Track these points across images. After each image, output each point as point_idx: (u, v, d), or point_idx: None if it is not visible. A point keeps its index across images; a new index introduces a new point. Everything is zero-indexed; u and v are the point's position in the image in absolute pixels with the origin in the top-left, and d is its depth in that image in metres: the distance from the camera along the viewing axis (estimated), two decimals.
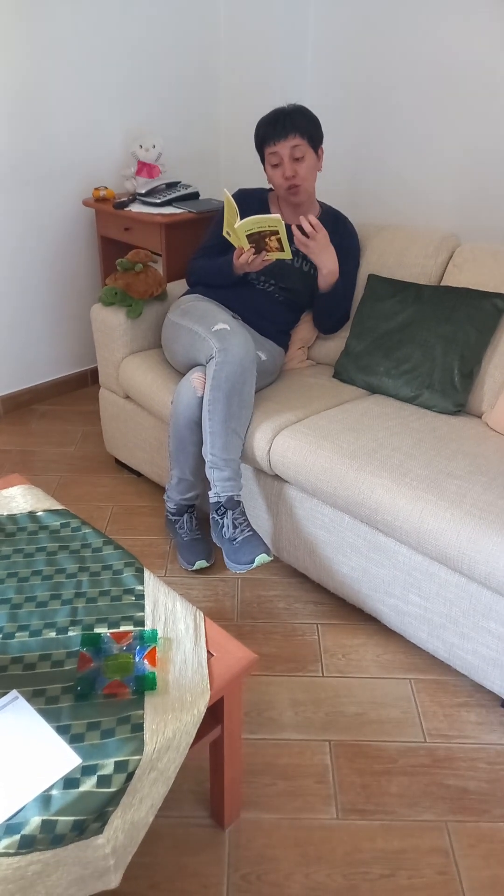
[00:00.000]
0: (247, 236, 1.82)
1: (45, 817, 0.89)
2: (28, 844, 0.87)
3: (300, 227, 1.98)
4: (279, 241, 1.82)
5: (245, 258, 1.89)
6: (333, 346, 2.24)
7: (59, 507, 1.50)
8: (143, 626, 1.19)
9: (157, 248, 2.54)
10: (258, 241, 1.84)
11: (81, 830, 0.91)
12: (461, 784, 1.42)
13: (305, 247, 1.97)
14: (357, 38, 2.63)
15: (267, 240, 1.83)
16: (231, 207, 1.80)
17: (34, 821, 0.89)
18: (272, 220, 1.77)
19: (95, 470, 2.48)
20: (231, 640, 1.18)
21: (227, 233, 1.88)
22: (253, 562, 1.69)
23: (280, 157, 1.97)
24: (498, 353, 1.89)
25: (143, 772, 0.98)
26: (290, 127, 1.94)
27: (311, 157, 2.00)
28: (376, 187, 2.77)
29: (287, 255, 1.86)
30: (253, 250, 1.87)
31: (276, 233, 1.80)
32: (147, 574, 1.31)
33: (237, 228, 1.80)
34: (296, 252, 2.09)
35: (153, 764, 0.99)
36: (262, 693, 1.61)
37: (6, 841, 0.87)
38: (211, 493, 1.81)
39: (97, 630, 1.18)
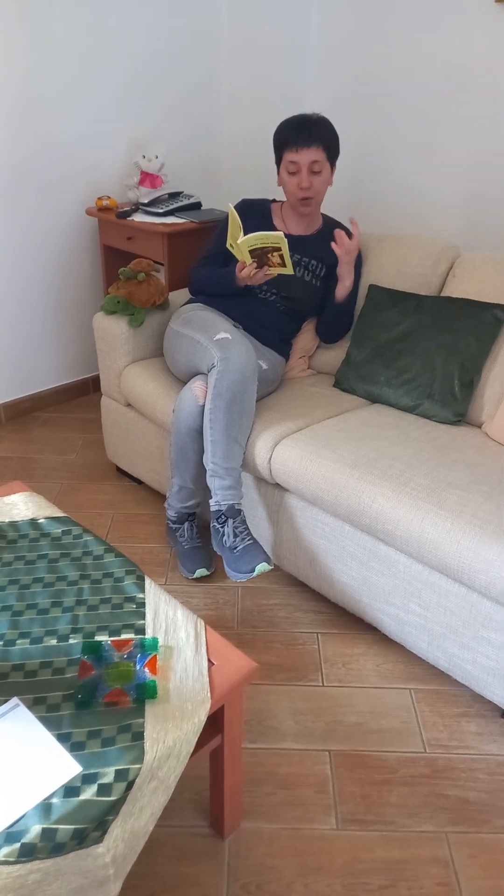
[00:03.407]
0: (249, 251, 1.84)
1: (45, 825, 0.89)
2: (28, 853, 0.87)
3: (346, 229, 2.07)
4: (281, 256, 1.84)
5: (247, 272, 1.91)
6: (334, 355, 2.25)
7: (60, 514, 1.51)
8: (144, 634, 1.19)
9: (160, 258, 2.55)
10: (261, 256, 1.85)
11: (81, 839, 0.91)
12: (461, 794, 1.41)
13: (347, 256, 2.01)
14: (359, 46, 2.65)
15: (269, 255, 1.84)
16: (235, 221, 1.82)
17: (34, 829, 0.89)
18: (275, 237, 1.79)
19: (96, 477, 2.49)
20: (232, 649, 1.18)
21: (231, 245, 1.90)
22: (253, 570, 1.69)
23: (299, 165, 1.98)
24: (498, 364, 1.90)
25: (144, 780, 0.98)
26: (314, 136, 1.95)
27: (327, 172, 2.02)
28: (379, 192, 2.79)
29: (289, 270, 1.88)
30: (255, 265, 1.88)
31: (279, 249, 1.81)
32: (148, 582, 1.31)
33: (240, 244, 1.82)
34: (297, 264, 2.10)
35: (153, 773, 0.99)
36: (262, 702, 1.61)
37: (6, 849, 0.87)
38: (212, 502, 1.81)
39: (98, 638, 1.18)
